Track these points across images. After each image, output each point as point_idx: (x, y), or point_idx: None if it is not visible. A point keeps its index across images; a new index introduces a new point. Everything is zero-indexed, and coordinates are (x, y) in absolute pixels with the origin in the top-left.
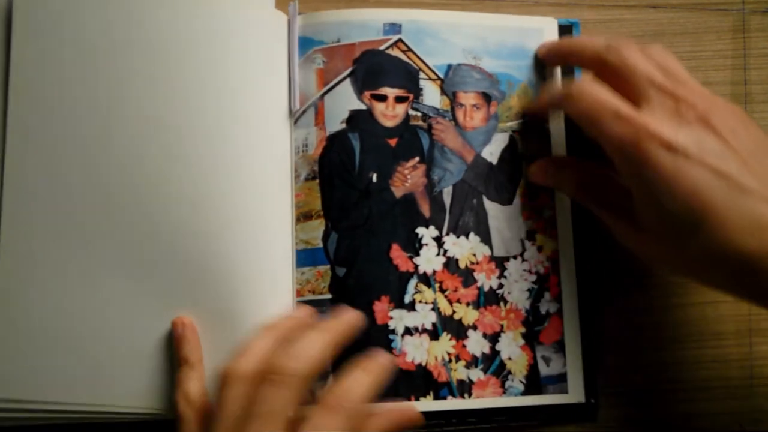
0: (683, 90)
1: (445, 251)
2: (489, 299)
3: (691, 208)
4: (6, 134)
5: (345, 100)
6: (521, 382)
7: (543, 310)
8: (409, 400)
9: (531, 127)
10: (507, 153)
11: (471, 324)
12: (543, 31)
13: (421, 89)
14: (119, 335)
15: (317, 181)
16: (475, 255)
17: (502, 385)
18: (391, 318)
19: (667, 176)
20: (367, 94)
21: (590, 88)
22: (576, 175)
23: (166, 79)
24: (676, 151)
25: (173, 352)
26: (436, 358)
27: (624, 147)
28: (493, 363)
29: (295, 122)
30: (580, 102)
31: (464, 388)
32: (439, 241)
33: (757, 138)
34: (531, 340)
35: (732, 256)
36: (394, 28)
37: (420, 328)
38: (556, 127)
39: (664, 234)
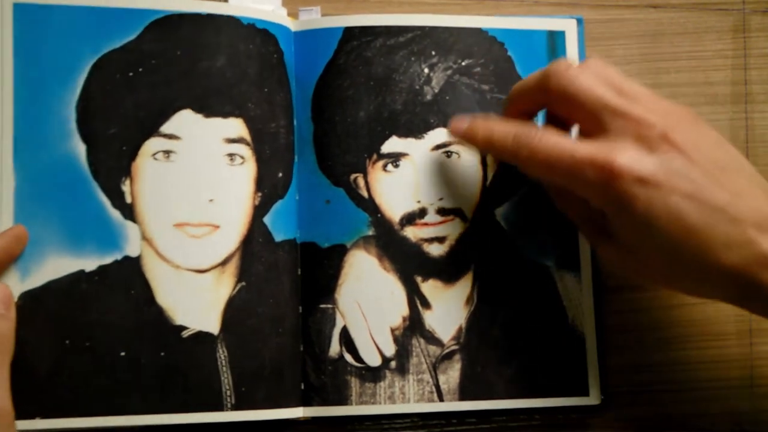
0: (639, 108)
1: None
2: None
3: (672, 234)
4: None
5: None
6: None
7: None
8: None
9: None
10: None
11: None
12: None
13: None
14: None
15: None
16: None
17: None
18: None
19: (642, 211)
20: None
21: (541, 139)
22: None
23: None
24: (648, 183)
25: None
26: None
27: (595, 191)
28: None
29: None
30: (534, 156)
31: None
32: None
33: (716, 141)
34: None
35: (720, 271)
36: None
37: None
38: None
39: (650, 258)
